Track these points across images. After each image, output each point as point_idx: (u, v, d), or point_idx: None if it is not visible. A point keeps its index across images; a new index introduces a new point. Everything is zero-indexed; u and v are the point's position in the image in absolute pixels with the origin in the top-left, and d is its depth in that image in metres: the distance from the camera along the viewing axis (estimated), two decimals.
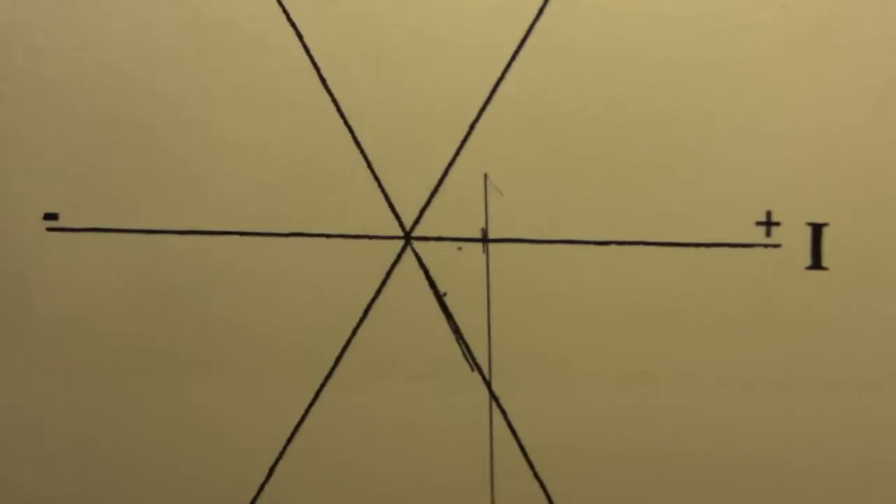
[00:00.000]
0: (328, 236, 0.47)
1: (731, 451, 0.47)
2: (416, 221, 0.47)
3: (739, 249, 0.46)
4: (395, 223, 0.47)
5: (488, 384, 0.47)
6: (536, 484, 0.48)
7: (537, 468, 0.48)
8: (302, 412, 0.48)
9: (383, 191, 0.47)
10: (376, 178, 0.47)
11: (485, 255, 0.47)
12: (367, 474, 0.48)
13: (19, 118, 0.47)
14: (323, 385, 0.48)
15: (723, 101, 0.46)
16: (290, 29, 0.47)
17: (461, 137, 0.47)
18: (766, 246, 0.46)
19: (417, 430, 0.48)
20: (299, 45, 0.47)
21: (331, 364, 0.48)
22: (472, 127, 0.47)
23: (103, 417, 0.48)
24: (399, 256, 0.47)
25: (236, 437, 0.48)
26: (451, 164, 0.47)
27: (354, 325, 0.47)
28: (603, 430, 0.47)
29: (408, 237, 0.47)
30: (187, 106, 0.47)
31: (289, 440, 0.48)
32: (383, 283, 0.47)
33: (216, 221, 0.48)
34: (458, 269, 0.47)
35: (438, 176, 0.47)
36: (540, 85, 0.46)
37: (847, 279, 0.46)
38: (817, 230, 0.46)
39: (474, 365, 0.47)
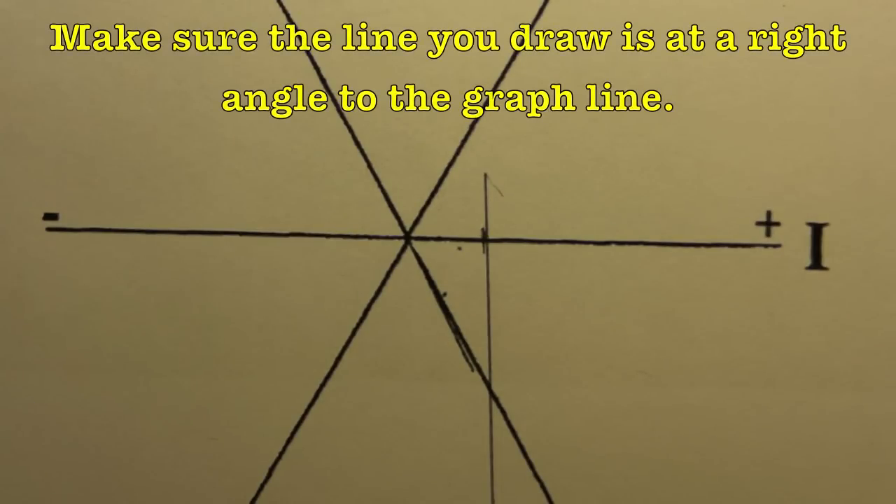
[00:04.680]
0: (328, 236, 0.47)
1: (731, 451, 0.47)
2: (416, 221, 0.47)
3: (739, 249, 0.46)
4: (395, 223, 0.47)
5: (488, 384, 0.47)
6: (536, 484, 0.48)
7: (537, 468, 0.48)
8: (302, 412, 0.48)
9: (383, 191, 0.47)
10: (376, 178, 0.47)
11: (485, 255, 0.47)
12: (367, 474, 0.48)
13: (19, 118, 0.47)
14: (323, 385, 0.48)
15: (723, 101, 0.46)
16: (290, 29, 0.47)
17: (461, 137, 0.47)
18: (766, 246, 0.46)
19: (417, 430, 0.48)
20: (299, 45, 0.47)
21: (330, 364, 0.48)
22: (472, 127, 0.47)
23: (103, 417, 0.48)
24: (399, 256, 0.47)
25: (236, 437, 0.48)
26: (451, 164, 0.47)
27: (354, 325, 0.47)
28: (603, 430, 0.47)
29: (408, 237, 0.47)
30: (187, 106, 0.47)
31: (289, 440, 0.48)
32: (383, 283, 0.47)
33: (216, 221, 0.48)
34: (458, 269, 0.47)
35: (438, 176, 0.47)
36: (540, 85, 0.46)
37: (847, 279, 0.46)
38: (817, 230, 0.46)
39: (474, 365, 0.47)
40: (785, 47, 0.46)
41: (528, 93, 0.46)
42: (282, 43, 0.47)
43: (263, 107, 0.47)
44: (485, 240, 0.47)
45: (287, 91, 0.47)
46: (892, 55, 0.45)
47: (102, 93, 0.47)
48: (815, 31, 0.45)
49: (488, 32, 0.46)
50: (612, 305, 0.47)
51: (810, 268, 0.46)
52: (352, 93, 0.47)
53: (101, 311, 0.48)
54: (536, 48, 0.46)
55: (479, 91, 0.46)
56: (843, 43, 0.45)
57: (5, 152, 0.47)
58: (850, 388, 0.47)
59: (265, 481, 0.48)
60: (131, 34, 0.47)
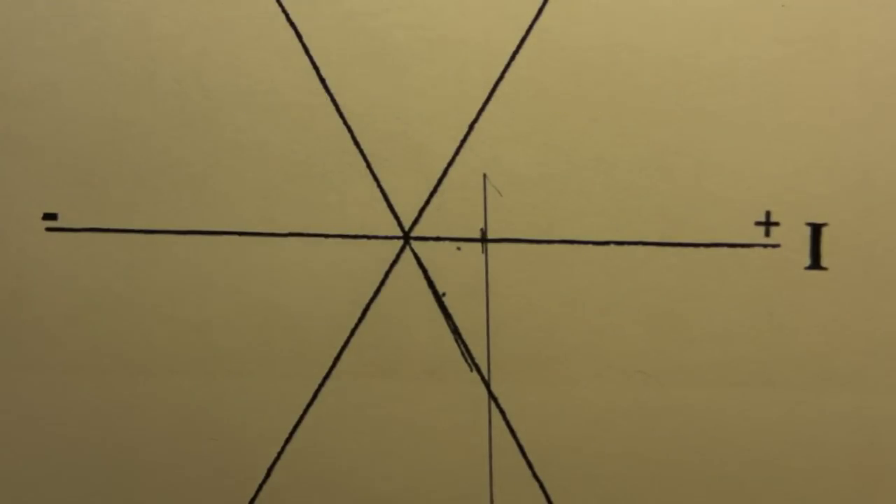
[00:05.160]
0: (327, 236, 0.47)
1: (731, 451, 0.47)
2: (415, 221, 0.47)
3: (739, 249, 0.46)
4: (394, 223, 0.47)
5: (487, 384, 0.47)
6: (536, 484, 0.48)
7: (536, 468, 0.48)
8: (301, 412, 0.48)
9: (382, 191, 0.47)
10: (375, 178, 0.47)
11: (484, 256, 0.47)
12: (366, 474, 0.48)
13: (19, 118, 0.47)
14: (322, 385, 0.48)
15: (723, 101, 0.46)
16: (290, 29, 0.47)
17: (461, 137, 0.47)
18: (765, 246, 0.46)
19: (416, 430, 0.48)
20: (299, 45, 0.47)
21: (329, 364, 0.48)
22: (471, 127, 0.47)
23: (103, 417, 0.48)
24: (398, 256, 0.47)
25: (235, 437, 0.48)
26: (450, 164, 0.47)
27: (353, 325, 0.47)
28: (603, 430, 0.47)
29: (407, 237, 0.47)
30: (187, 106, 0.47)
31: (287, 440, 0.48)
32: (382, 284, 0.47)
33: (216, 221, 0.48)
34: (457, 269, 0.47)
35: (438, 176, 0.47)
36: (540, 85, 0.46)
37: (847, 279, 0.46)
38: (817, 230, 0.46)
39: (473, 365, 0.47)
40: (785, 47, 0.46)
41: (528, 93, 0.46)
42: (282, 43, 0.47)
43: (263, 107, 0.47)
44: (484, 240, 0.47)
45: (287, 91, 0.47)
46: (892, 55, 0.45)
47: (102, 93, 0.47)
48: (814, 31, 0.45)
49: (488, 32, 0.46)
50: (612, 305, 0.47)
51: (809, 268, 0.46)
52: (352, 93, 0.47)
53: (101, 311, 0.48)
54: (536, 48, 0.46)
55: (479, 91, 0.46)
56: (843, 43, 0.45)
57: (5, 152, 0.48)
58: (850, 388, 0.47)
59: (264, 481, 0.48)
60: (131, 34, 0.47)
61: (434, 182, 0.47)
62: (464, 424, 0.48)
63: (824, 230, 0.46)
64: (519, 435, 0.48)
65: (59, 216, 0.48)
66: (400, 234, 0.47)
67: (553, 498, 0.48)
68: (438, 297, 0.47)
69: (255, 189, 0.47)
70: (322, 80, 0.47)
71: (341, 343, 0.47)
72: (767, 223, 0.46)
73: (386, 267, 0.47)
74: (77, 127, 0.47)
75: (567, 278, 0.47)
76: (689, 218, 0.46)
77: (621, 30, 0.46)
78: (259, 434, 0.48)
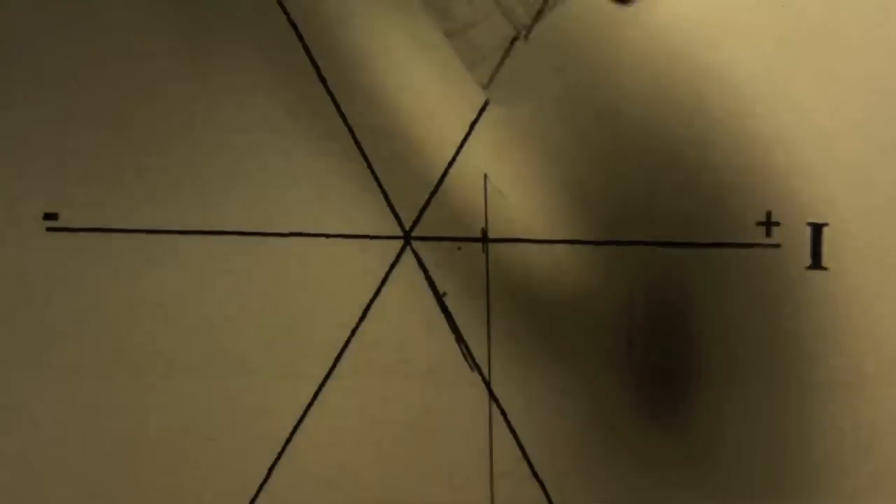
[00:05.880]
0: (327, 236, 0.47)
1: (731, 452, 0.47)
2: (416, 221, 0.47)
3: (739, 249, 0.46)
4: (395, 223, 0.47)
5: (488, 384, 0.47)
6: (536, 484, 0.48)
7: (537, 468, 0.48)
8: (301, 412, 0.48)
9: (383, 191, 0.47)
10: (376, 178, 0.47)
11: (484, 256, 0.47)
12: (367, 474, 0.48)
13: (19, 118, 0.47)
14: (322, 385, 0.48)
15: (723, 102, 0.46)
16: (290, 29, 0.47)
17: (461, 137, 0.47)
18: (765, 246, 0.46)
19: (417, 430, 0.48)
20: (299, 45, 0.47)
21: (330, 364, 0.48)
22: (471, 127, 0.47)
23: (103, 417, 0.48)
24: (398, 256, 0.47)
25: (235, 438, 0.48)
26: (450, 164, 0.47)
27: (353, 325, 0.47)
28: (603, 430, 0.47)
29: (407, 237, 0.47)
30: (187, 106, 0.47)
31: (288, 440, 0.48)
32: (382, 283, 0.47)
33: (216, 221, 0.48)
34: (457, 269, 0.47)
35: (438, 176, 0.47)
36: (540, 85, 0.46)
37: (847, 279, 0.46)
38: (817, 230, 0.46)
39: (474, 365, 0.47)
40: (785, 47, 0.46)
41: (528, 93, 0.46)
42: (282, 43, 0.47)
43: (263, 107, 0.47)
44: (484, 240, 0.47)
45: (287, 91, 0.47)
46: (893, 55, 0.45)
47: (102, 93, 0.47)
48: (814, 31, 0.45)
49: (488, 32, 0.46)
50: (612, 305, 0.47)
51: (810, 268, 0.46)
52: (352, 93, 0.47)
53: (101, 311, 0.48)
54: (536, 48, 0.46)
55: (478, 91, 0.46)
56: (843, 43, 0.45)
57: (5, 152, 0.48)
58: (850, 388, 0.47)
59: (265, 481, 0.48)
60: (131, 34, 0.47)
61: (435, 182, 0.47)
62: (464, 424, 0.48)
63: (825, 230, 0.46)
64: (520, 435, 0.48)
65: (59, 216, 0.48)
66: (400, 234, 0.47)
67: (553, 498, 0.48)
68: (439, 297, 0.47)
69: (255, 189, 0.47)
70: (322, 80, 0.47)
71: (341, 343, 0.47)
72: (768, 223, 0.46)
73: (386, 267, 0.47)
74: (77, 127, 0.47)
75: (567, 278, 0.47)
76: (689, 218, 0.46)
77: (621, 30, 0.46)
78: (260, 434, 0.48)
